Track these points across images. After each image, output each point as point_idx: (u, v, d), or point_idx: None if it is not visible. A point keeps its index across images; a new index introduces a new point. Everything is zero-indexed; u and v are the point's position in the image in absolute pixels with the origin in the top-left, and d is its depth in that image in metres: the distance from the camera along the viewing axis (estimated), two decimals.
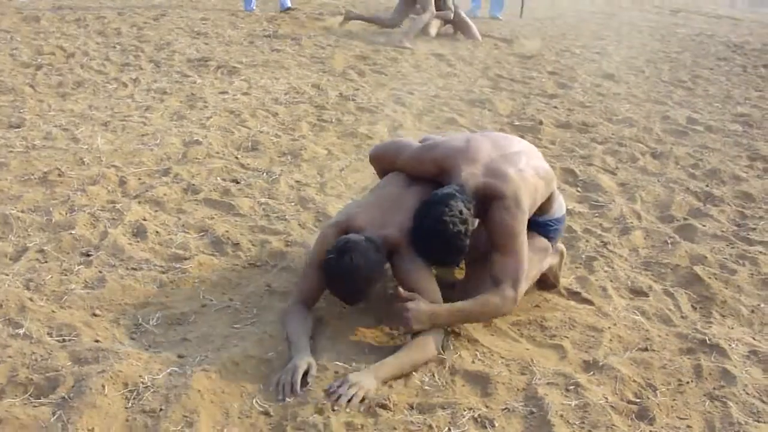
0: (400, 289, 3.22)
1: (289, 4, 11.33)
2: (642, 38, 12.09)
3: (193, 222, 4.29)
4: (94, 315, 3.33)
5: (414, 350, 3.11)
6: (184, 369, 2.91)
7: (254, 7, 11.36)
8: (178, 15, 10.54)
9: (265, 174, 5.09)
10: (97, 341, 3.11)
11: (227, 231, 4.19)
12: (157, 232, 4.12)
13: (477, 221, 3.43)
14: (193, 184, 4.78)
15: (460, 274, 3.89)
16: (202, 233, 4.18)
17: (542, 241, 3.66)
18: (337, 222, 3.44)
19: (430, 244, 3.25)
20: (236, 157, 5.38)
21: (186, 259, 3.86)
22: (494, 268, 3.30)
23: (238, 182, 4.93)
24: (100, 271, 3.67)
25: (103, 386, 2.76)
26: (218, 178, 4.95)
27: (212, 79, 7.38)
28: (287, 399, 2.81)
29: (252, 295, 3.57)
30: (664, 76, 9.33)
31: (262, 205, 4.59)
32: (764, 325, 3.79)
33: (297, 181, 5.02)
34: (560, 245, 3.91)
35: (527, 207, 3.36)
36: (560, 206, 3.82)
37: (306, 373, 2.91)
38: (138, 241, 4.01)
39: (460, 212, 3.19)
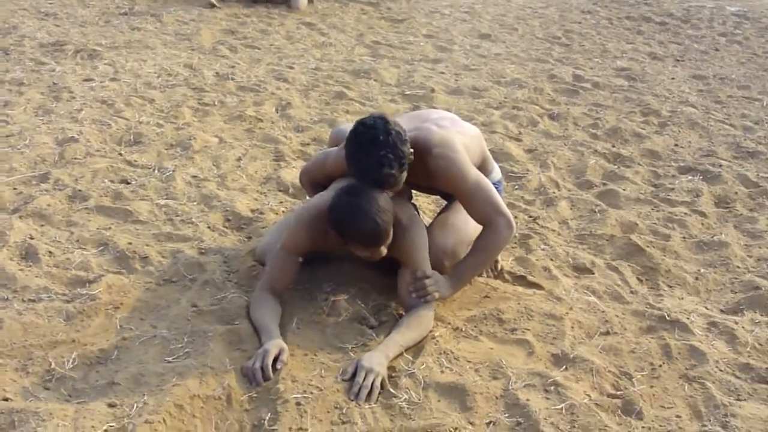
0: (426, 270, 3.18)
1: None
2: None
3: (89, 235, 3.75)
4: None
5: (415, 327, 3.07)
6: (122, 423, 2.47)
7: None
8: None
9: (156, 170, 4.57)
10: (6, 399, 2.59)
11: (130, 243, 3.67)
12: (49, 252, 3.55)
13: None
14: (79, 190, 4.20)
15: None
16: (101, 248, 3.65)
17: None
18: (311, 206, 3.22)
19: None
20: (120, 154, 4.80)
21: (91, 282, 3.33)
22: (471, 211, 3.30)
23: (128, 183, 4.39)
24: None
25: None
26: (105, 180, 4.38)
27: (72, 65, 6.66)
28: (260, 385, 2.71)
29: (177, 318, 3.09)
30: (537, 32, 9.26)
31: (162, 208, 4.08)
32: (710, 292, 3.70)
33: (194, 176, 4.53)
34: None
35: (460, 148, 3.29)
36: (497, 171, 3.80)
37: (276, 358, 2.80)
38: (30, 266, 3.43)
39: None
